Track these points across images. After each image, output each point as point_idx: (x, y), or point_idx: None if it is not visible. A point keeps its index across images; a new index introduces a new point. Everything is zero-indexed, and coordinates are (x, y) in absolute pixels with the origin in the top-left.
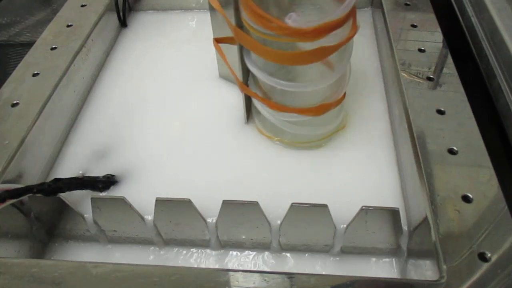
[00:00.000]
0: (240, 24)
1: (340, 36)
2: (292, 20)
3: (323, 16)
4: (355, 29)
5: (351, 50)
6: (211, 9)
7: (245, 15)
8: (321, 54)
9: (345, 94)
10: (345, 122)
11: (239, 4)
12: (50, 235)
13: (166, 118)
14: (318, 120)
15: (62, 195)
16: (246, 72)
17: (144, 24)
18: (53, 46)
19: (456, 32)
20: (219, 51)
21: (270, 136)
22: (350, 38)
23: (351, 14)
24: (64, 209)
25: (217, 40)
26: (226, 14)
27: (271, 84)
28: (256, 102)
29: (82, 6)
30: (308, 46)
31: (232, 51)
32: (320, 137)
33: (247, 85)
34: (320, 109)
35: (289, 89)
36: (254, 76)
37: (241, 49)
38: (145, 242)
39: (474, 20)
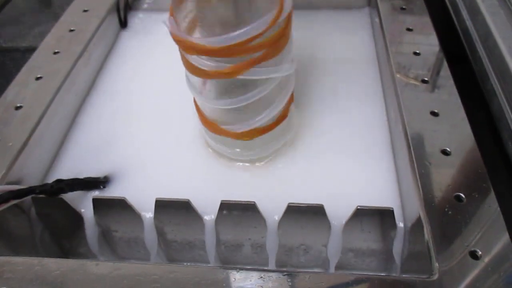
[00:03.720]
0: None
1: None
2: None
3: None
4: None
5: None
6: None
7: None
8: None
9: (282, 119)
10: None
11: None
12: (54, 241)
13: (163, 118)
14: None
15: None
16: None
17: (144, 24)
18: (56, 51)
19: (451, 35)
20: None
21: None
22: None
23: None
24: (66, 210)
25: None
26: None
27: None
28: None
29: (84, 11)
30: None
31: None
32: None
33: None
34: (249, 134)
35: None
36: None
37: None
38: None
39: (468, 23)
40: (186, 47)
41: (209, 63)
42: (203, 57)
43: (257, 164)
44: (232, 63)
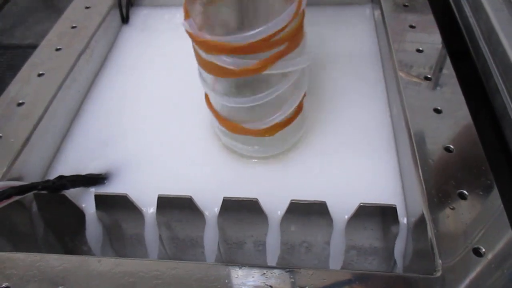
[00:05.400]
0: None
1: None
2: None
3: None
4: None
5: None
6: None
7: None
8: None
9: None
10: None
11: None
12: (56, 237)
13: (163, 114)
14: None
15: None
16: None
17: (145, 20)
18: (58, 47)
19: (454, 32)
20: None
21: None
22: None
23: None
24: (68, 206)
25: None
26: None
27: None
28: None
29: (86, 8)
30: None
31: None
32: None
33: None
34: (272, 129)
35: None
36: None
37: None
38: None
39: (471, 20)
40: (209, 47)
41: (235, 60)
42: (225, 56)
43: (261, 160)
44: (253, 59)
